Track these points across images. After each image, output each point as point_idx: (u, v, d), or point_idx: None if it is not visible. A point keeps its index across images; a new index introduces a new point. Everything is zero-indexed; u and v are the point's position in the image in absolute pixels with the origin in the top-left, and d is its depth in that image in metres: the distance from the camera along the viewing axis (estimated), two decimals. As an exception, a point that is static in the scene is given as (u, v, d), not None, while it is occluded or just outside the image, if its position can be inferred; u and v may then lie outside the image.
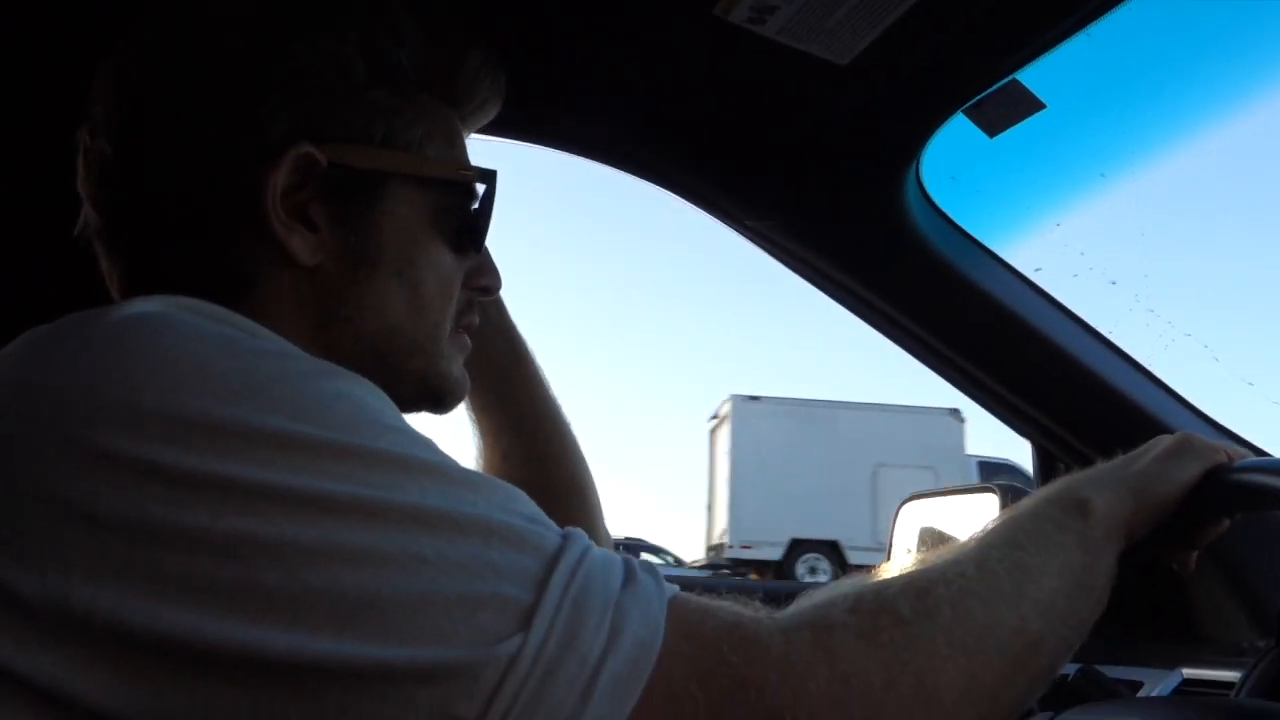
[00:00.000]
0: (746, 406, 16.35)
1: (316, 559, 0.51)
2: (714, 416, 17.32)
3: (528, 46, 1.06)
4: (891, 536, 1.93)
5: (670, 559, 18.29)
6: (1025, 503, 0.78)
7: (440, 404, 0.84)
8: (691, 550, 18.82)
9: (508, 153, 1.21)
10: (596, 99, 1.17)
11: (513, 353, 1.10)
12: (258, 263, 0.72)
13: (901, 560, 1.85)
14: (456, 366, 0.83)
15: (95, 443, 0.51)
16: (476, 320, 0.87)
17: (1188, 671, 1.30)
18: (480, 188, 0.82)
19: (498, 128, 1.18)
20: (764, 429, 15.91)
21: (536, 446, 1.09)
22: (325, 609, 0.50)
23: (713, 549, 16.80)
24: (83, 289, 0.75)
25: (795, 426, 15.98)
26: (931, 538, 1.80)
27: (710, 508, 17.11)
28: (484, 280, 0.86)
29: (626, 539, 16.82)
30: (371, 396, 0.61)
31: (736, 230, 1.32)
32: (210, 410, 0.53)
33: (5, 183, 1.07)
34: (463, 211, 0.81)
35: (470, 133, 0.87)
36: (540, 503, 1.08)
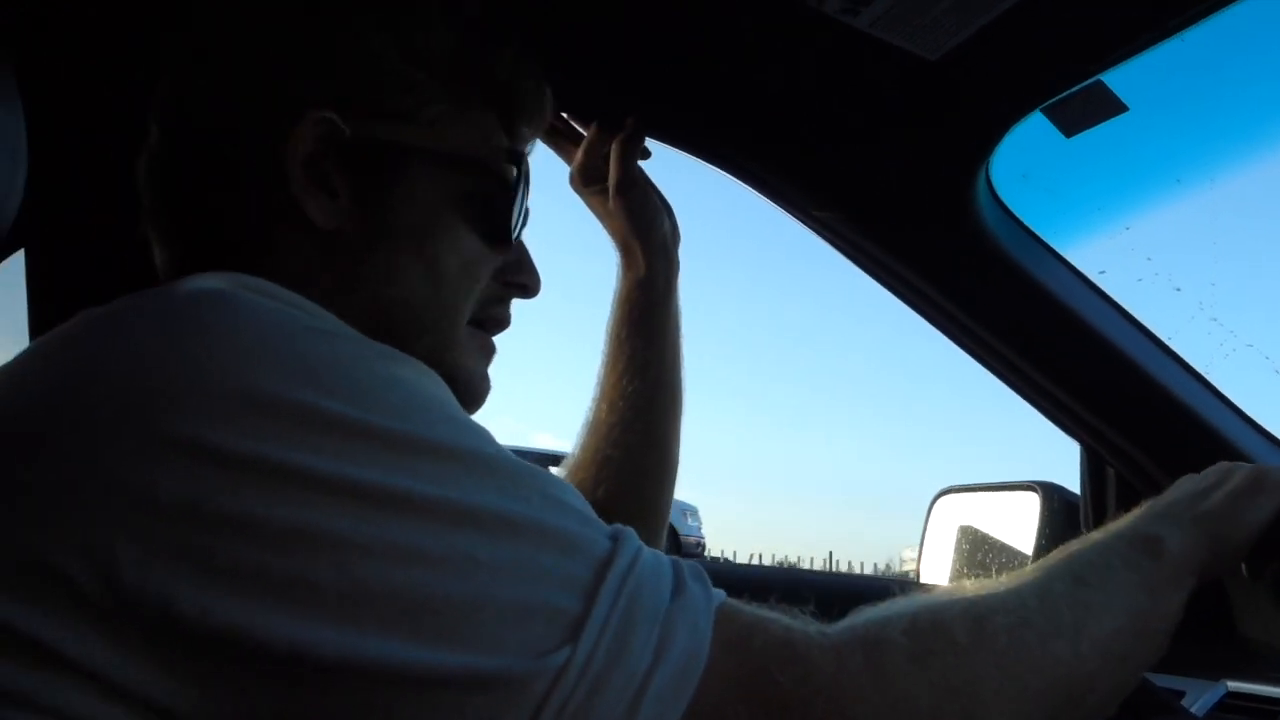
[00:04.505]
0: None
1: (369, 555, 0.49)
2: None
3: (610, 34, 1.05)
4: (925, 528, 1.94)
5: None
6: (1095, 535, 0.76)
7: None
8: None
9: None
10: (671, 82, 1.16)
11: (666, 308, 1.16)
12: (275, 223, 0.72)
13: (934, 553, 1.86)
14: (472, 360, 0.81)
15: (154, 421, 0.49)
16: (507, 317, 0.85)
17: (1232, 684, 1.30)
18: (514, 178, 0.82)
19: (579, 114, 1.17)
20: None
21: (653, 401, 1.15)
22: (376, 607, 0.49)
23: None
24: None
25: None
26: (971, 538, 1.80)
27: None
28: (521, 278, 0.85)
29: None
30: (429, 382, 0.60)
31: (801, 220, 1.31)
32: (271, 390, 0.51)
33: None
34: (492, 199, 0.80)
35: (526, 139, 0.86)
36: (629, 458, 1.16)
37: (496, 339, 0.86)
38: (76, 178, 1.10)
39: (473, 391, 0.81)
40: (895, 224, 1.30)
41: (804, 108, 1.14)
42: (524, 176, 0.82)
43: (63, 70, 1.03)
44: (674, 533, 13.08)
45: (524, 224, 0.84)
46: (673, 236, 1.18)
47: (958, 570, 1.80)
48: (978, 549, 1.80)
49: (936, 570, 1.84)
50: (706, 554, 14.42)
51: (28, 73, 0.79)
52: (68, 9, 1.01)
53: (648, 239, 1.15)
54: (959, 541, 1.82)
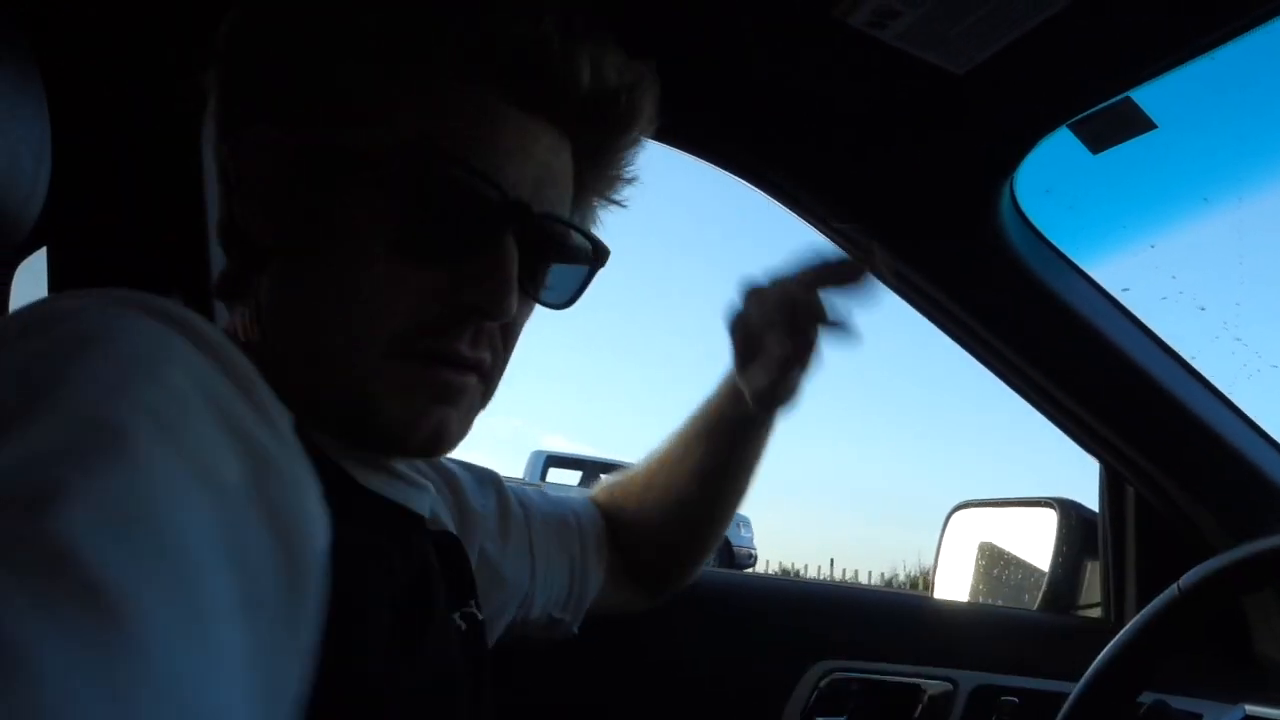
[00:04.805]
0: None
1: None
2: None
3: (631, 40, 1.05)
4: (940, 542, 1.92)
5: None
6: None
7: (385, 450, 0.70)
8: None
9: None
10: (693, 91, 1.15)
11: (758, 442, 1.06)
12: (230, 246, 0.71)
13: (950, 567, 1.85)
14: (398, 400, 0.65)
15: None
16: (460, 351, 0.67)
17: (1250, 708, 1.28)
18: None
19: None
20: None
21: (705, 503, 1.09)
22: None
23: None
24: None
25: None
26: (987, 553, 1.79)
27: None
28: (471, 296, 0.66)
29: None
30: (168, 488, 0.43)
31: (821, 231, 1.30)
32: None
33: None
34: (404, 201, 0.65)
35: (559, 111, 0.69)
36: (663, 534, 1.12)
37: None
38: (99, 178, 1.10)
39: (396, 437, 0.66)
40: (917, 237, 1.29)
41: (828, 119, 1.14)
42: (438, 164, 0.65)
43: (87, 72, 1.04)
44: (726, 542, 13.01)
45: (475, 225, 0.66)
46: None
47: (974, 586, 1.78)
48: (994, 564, 1.78)
49: (952, 585, 1.83)
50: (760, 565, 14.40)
51: (52, 74, 0.79)
52: (92, 12, 1.02)
53: (771, 401, 1.02)
54: (975, 557, 1.81)
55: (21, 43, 0.73)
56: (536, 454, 14.01)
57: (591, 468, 13.57)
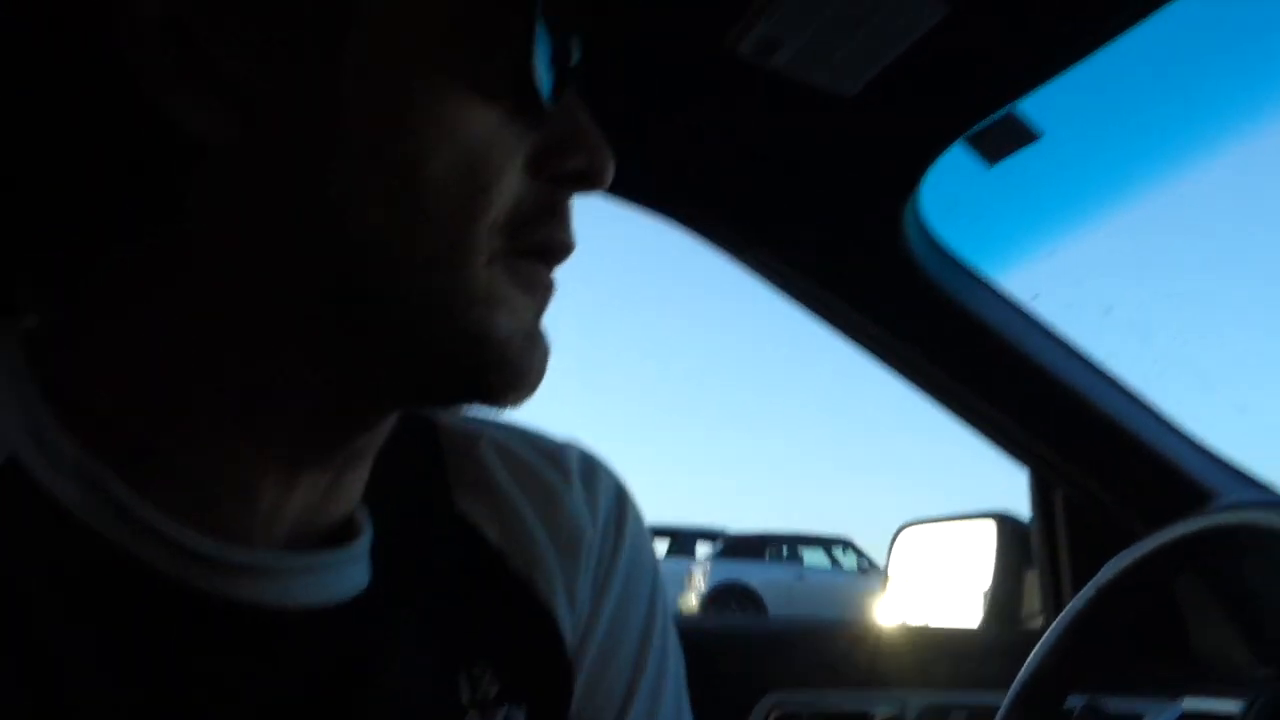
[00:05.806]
0: None
1: None
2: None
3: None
4: (888, 563, 1.93)
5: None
6: None
7: (487, 391, 0.47)
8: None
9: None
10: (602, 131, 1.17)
11: None
12: (141, 158, 0.43)
13: (899, 588, 1.85)
14: (509, 313, 0.46)
15: None
16: (565, 236, 0.48)
17: (1188, 703, 1.29)
18: None
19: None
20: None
21: None
22: None
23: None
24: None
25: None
26: (931, 572, 1.80)
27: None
28: (572, 159, 0.47)
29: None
30: None
31: (734, 260, 1.32)
32: None
33: None
34: (499, 27, 0.44)
35: None
36: None
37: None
38: None
39: (514, 365, 0.46)
40: (829, 261, 1.31)
41: (728, 150, 1.16)
42: None
43: None
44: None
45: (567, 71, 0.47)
46: None
47: (922, 605, 1.79)
48: (941, 583, 1.79)
49: (902, 605, 1.83)
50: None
51: None
52: None
53: None
54: (923, 576, 1.82)
55: None
56: None
57: (680, 537, 14.73)
